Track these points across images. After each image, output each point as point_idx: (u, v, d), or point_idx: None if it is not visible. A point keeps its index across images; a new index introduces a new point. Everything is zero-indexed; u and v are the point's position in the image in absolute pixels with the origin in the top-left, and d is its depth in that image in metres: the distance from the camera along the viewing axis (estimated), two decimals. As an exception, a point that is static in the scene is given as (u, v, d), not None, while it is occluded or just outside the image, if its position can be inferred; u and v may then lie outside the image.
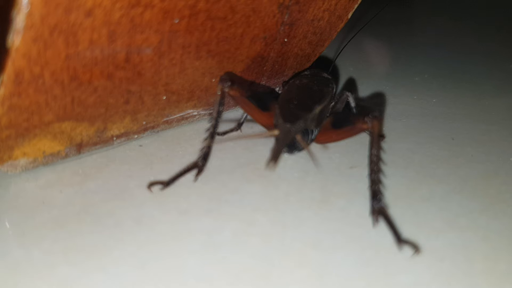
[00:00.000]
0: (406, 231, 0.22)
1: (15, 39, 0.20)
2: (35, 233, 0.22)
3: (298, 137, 0.24)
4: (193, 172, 0.25)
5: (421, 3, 0.88)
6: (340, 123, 0.26)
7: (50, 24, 0.20)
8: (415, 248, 0.20)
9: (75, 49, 0.22)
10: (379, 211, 0.22)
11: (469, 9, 0.79)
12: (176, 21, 0.24)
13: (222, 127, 0.31)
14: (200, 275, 0.19)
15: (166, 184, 0.24)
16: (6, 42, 0.20)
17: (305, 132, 0.26)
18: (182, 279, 0.19)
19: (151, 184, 0.24)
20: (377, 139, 0.23)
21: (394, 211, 0.23)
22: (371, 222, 0.22)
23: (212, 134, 0.26)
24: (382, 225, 0.22)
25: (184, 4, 0.24)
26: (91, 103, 0.25)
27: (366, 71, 0.45)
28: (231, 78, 0.26)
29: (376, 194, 0.22)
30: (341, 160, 0.28)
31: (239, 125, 0.31)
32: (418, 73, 0.44)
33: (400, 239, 0.21)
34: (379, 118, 0.23)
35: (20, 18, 0.19)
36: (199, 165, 0.25)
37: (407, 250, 0.20)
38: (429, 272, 0.19)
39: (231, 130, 0.31)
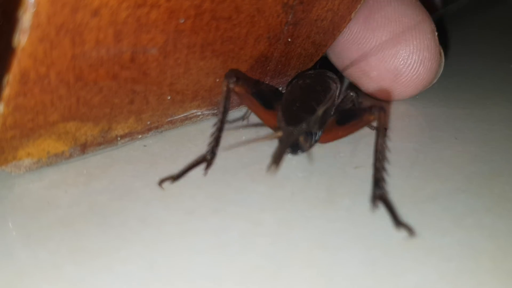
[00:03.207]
0: (412, 231, 0.22)
1: (21, 38, 0.20)
2: (41, 233, 0.22)
3: (301, 140, 0.24)
4: (200, 172, 0.25)
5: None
6: (345, 119, 0.26)
7: (57, 24, 0.20)
8: (411, 231, 0.21)
9: (81, 49, 0.22)
10: (379, 196, 0.22)
11: (470, 10, 0.79)
12: (182, 21, 0.24)
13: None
14: (208, 275, 0.19)
15: (176, 178, 0.24)
16: (12, 41, 0.20)
17: (309, 134, 0.26)
18: (190, 278, 0.19)
19: (161, 181, 0.24)
20: (383, 129, 0.23)
21: (400, 211, 0.23)
22: (372, 208, 0.22)
23: (220, 128, 0.26)
24: (389, 225, 0.22)
25: (190, 4, 0.24)
26: (96, 103, 0.25)
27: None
28: (236, 75, 0.26)
29: (378, 181, 0.23)
30: (346, 160, 0.28)
31: (244, 118, 0.31)
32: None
33: (398, 222, 0.21)
34: (385, 109, 0.24)
35: (26, 18, 0.19)
36: (207, 159, 0.25)
37: (415, 250, 0.20)
38: (436, 272, 0.19)
39: (238, 120, 0.31)
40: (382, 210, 0.23)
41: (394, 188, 0.25)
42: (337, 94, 0.30)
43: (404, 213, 0.23)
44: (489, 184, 0.26)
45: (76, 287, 0.19)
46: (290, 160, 0.28)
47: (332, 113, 0.29)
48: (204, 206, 0.23)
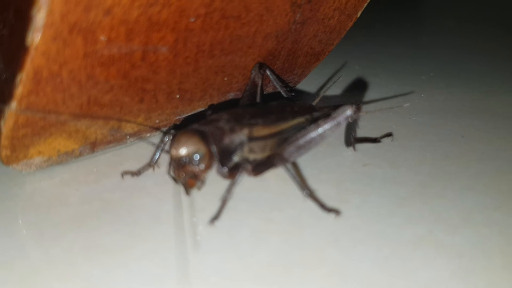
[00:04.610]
0: (423, 228, 0.22)
1: (35, 37, 0.20)
2: (53, 231, 0.22)
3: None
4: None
5: (428, 3, 0.89)
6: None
7: (70, 22, 0.20)
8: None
9: (93, 48, 0.22)
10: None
11: (475, 9, 0.79)
12: (192, 19, 0.24)
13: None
14: (222, 272, 0.19)
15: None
16: (25, 40, 0.20)
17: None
18: (202, 275, 0.19)
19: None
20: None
21: (410, 209, 0.23)
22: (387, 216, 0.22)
23: None
24: (401, 223, 0.22)
25: (200, 3, 0.24)
26: (107, 102, 0.25)
27: (372, 69, 0.46)
28: None
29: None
30: (355, 158, 0.28)
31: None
32: (424, 72, 0.45)
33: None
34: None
35: (40, 16, 0.19)
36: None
37: (426, 248, 0.21)
38: (448, 268, 0.19)
39: None
40: (393, 208, 0.23)
41: (402, 186, 0.25)
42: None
43: (413, 211, 0.23)
44: (496, 181, 0.26)
45: (90, 284, 0.19)
46: (300, 158, 0.28)
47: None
48: (215, 204, 0.23)
